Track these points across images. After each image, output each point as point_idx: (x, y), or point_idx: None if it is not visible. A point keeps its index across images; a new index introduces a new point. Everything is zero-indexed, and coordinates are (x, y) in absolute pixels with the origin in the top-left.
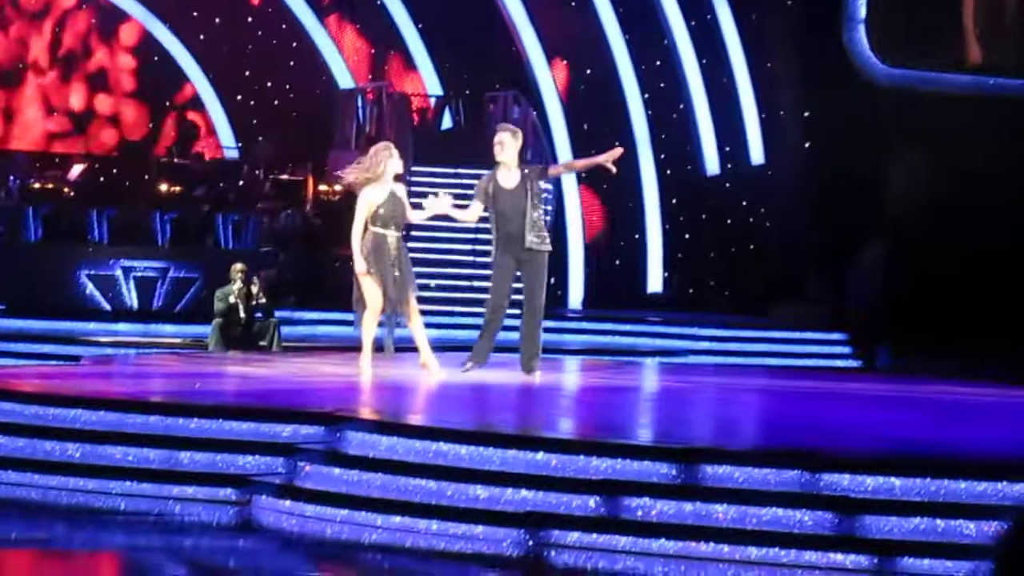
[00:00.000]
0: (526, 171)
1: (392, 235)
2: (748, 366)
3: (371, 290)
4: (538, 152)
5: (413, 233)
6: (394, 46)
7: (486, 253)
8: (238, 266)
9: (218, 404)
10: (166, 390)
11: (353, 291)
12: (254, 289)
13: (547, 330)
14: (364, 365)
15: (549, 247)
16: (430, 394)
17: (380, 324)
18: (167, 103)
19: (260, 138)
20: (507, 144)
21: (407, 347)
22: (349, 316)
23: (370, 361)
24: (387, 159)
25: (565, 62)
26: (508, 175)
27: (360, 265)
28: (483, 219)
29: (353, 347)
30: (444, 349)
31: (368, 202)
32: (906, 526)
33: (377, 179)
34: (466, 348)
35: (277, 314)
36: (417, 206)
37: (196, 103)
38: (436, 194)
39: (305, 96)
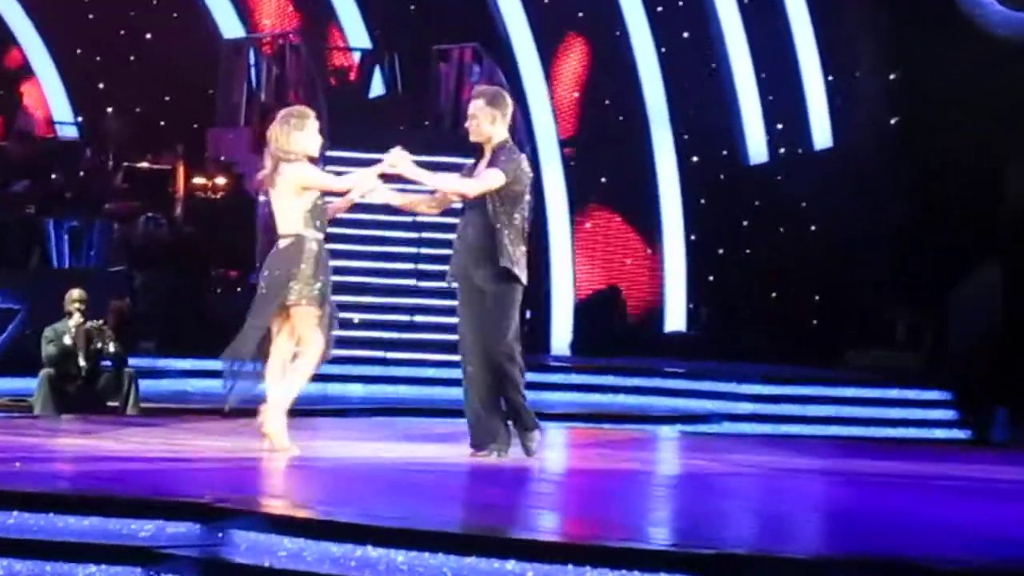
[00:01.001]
0: (503, 158)
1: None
2: (808, 438)
3: (315, 327)
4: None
5: (329, 246)
6: None
7: (435, 275)
8: (76, 294)
9: (47, 491)
10: None
11: (248, 331)
12: (100, 327)
13: None
14: (281, 437)
15: (514, 273)
16: (351, 477)
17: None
18: None
19: (109, 110)
20: (480, 116)
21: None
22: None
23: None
24: (296, 130)
25: (580, 37)
26: (484, 163)
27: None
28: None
29: (246, 409)
30: (374, 413)
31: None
32: None
33: (294, 157)
34: (404, 411)
35: (133, 362)
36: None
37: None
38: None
39: (174, 50)
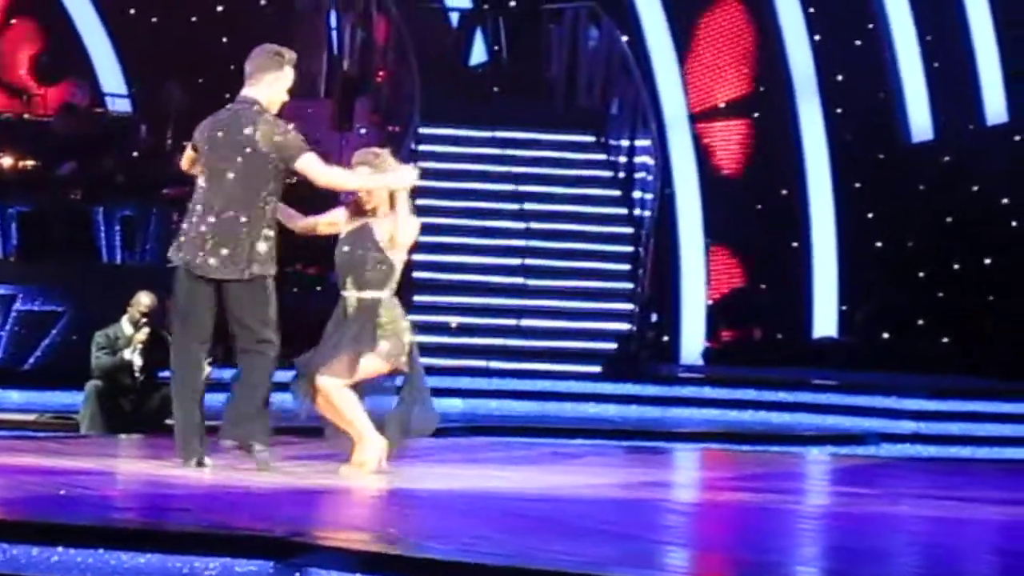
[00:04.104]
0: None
1: None
2: (982, 463)
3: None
4: (629, 99)
5: (422, 239)
6: None
7: (546, 272)
8: (145, 300)
9: (97, 523)
10: (9, 499)
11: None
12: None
13: (644, 401)
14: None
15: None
16: (450, 508)
17: None
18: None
19: (168, 80)
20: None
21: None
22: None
23: None
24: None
25: None
26: None
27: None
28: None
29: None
30: (476, 432)
31: None
32: None
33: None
34: (510, 430)
35: None
36: None
37: (56, 17)
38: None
39: (242, 11)
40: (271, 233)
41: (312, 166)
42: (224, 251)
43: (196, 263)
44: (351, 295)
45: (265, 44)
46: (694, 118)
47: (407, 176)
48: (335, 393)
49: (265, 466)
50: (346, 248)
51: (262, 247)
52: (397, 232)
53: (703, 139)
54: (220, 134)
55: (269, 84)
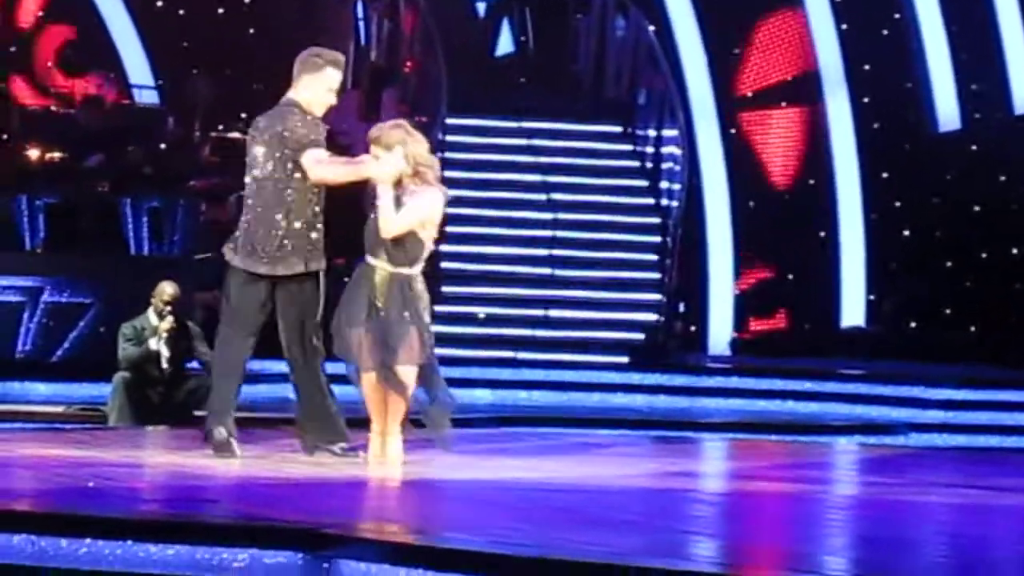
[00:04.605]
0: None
1: None
2: (1011, 452)
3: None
4: (656, 90)
5: (450, 229)
6: None
7: (573, 263)
8: (168, 290)
9: (125, 515)
10: (38, 491)
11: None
12: (188, 324)
13: (671, 391)
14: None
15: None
16: (478, 499)
17: None
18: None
19: (195, 71)
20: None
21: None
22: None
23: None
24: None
25: None
26: None
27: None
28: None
29: (359, 418)
30: (503, 423)
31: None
32: None
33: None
34: (538, 421)
35: None
36: None
37: (83, 9)
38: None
39: (270, 1)
40: (316, 228)
41: (307, 162)
42: (271, 248)
43: (250, 262)
44: (382, 266)
45: (312, 47)
46: (722, 108)
47: (385, 167)
48: (413, 379)
49: (352, 456)
50: (376, 218)
51: (306, 242)
52: (383, 223)
53: (731, 129)
54: (260, 133)
55: (306, 86)
